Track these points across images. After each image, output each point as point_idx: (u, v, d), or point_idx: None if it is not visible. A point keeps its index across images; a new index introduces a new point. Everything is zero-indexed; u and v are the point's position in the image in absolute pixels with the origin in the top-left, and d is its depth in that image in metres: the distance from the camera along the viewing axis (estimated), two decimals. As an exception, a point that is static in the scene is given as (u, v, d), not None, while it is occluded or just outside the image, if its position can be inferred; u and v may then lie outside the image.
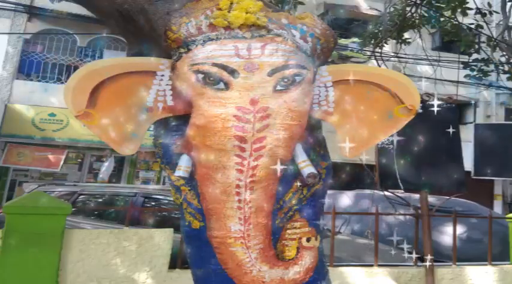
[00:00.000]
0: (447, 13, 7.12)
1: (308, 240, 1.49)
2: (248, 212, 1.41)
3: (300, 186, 1.48)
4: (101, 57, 9.90)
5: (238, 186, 1.39)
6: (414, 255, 3.69)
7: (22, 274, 2.89)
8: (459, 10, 6.64)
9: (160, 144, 1.55)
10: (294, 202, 1.48)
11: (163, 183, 9.57)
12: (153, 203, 5.00)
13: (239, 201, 1.40)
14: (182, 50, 1.45)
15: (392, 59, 9.33)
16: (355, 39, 8.71)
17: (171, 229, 3.39)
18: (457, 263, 4.03)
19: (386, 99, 1.58)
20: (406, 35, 7.78)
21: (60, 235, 3.05)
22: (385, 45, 7.83)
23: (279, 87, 1.41)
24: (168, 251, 3.33)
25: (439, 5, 6.93)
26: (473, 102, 12.14)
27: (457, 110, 4.45)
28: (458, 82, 8.42)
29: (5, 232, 2.91)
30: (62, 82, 9.40)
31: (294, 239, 1.47)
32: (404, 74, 1.74)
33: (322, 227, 1.64)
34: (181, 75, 1.44)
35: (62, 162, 8.89)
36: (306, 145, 1.50)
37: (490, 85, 10.26)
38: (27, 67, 9.63)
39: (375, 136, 1.62)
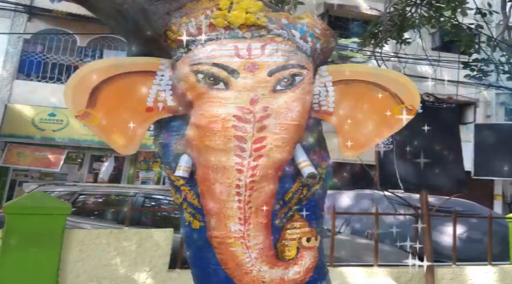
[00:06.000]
0: (447, 13, 7.12)
1: (308, 240, 1.49)
2: (248, 212, 1.41)
3: (300, 186, 1.48)
4: (101, 57, 9.91)
5: (238, 186, 1.39)
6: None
7: (22, 274, 2.89)
8: (459, 10, 6.64)
9: (160, 144, 1.55)
10: (294, 202, 1.48)
11: (163, 183, 9.58)
12: (153, 203, 5.00)
13: (239, 201, 1.40)
14: (182, 50, 1.45)
15: (392, 59, 9.33)
16: (355, 39, 8.71)
17: (171, 229, 3.38)
18: (457, 263, 4.03)
19: (386, 99, 1.58)
20: (406, 35, 7.78)
21: (60, 235, 3.05)
22: (385, 45, 7.83)
23: (279, 87, 1.41)
24: (168, 251, 3.33)
25: (439, 5, 6.93)
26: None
27: (457, 110, 4.45)
28: (458, 82, 8.42)
29: (5, 232, 2.91)
30: (62, 82, 9.40)
31: (294, 239, 1.47)
32: (404, 74, 1.74)
33: (322, 227, 1.64)
34: (182, 75, 1.44)
35: (62, 162, 8.89)
36: (306, 145, 1.50)
37: (490, 85, 10.25)
38: (27, 67, 9.63)
39: (374, 136, 1.62)
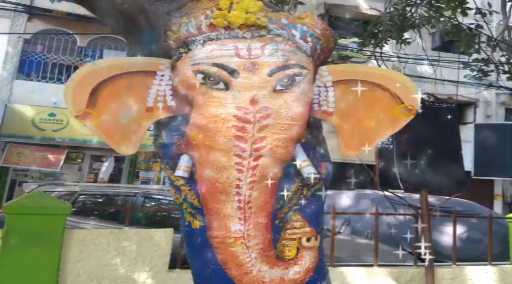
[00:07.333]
0: (447, 13, 7.12)
1: (308, 240, 1.49)
2: (248, 212, 1.41)
3: (300, 186, 1.48)
4: (101, 57, 9.90)
5: (238, 186, 1.39)
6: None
7: (22, 274, 2.89)
8: (459, 10, 6.64)
9: (160, 144, 1.54)
10: (294, 202, 1.48)
11: (163, 183, 9.57)
12: (153, 203, 5.00)
13: (239, 201, 1.40)
14: (182, 50, 1.45)
15: (392, 59, 9.32)
16: (355, 39, 8.71)
17: (171, 229, 3.38)
18: (457, 263, 4.02)
19: (386, 99, 1.58)
20: (406, 35, 7.79)
21: (60, 235, 3.05)
22: (385, 45, 7.83)
23: (279, 87, 1.41)
24: (168, 251, 3.33)
25: (439, 5, 6.93)
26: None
27: (457, 110, 4.45)
28: (458, 82, 8.42)
29: (5, 232, 2.91)
30: (62, 82, 9.40)
31: (294, 239, 1.47)
32: (404, 74, 1.74)
33: (322, 227, 1.64)
34: (181, 75, 1.44)
35: (62, 162, 8.89)
36: (306, 145, 1.50)
37: (490, 85, 10.25)
38: (27, 67, 9.63)
39: (374, 136, 1.62)
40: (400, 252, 3.86)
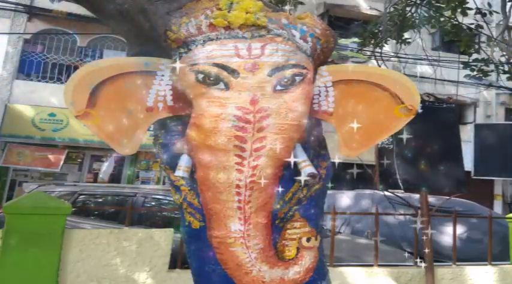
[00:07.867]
0: (447, 13, 7.13)
1: (308, 240, 1.49)
2: (248, 212, 1.41)
3: (300, 186, 1.48)
4: (101, 57, 9.90)
5: (238, 186, 1.39)
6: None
7: (22, 274, 2.89)
8: (459, 10, 6.65)
9: (160, 144, 1.55)
10: (294, 202, 1.48)
11: (163, 183, 9.57)
12: (153, 203, 5.00)
13: (239, 201, 1.40)
14: (182, 50, 1.45)
15: (392, 59, 9.33)
16: (355, 39, 8.71)
17: (171, 229, 3.38)
18: (457, 263, 4.02)
19: (386, 99, 1.57)
20: (406, 35, 7.79)
21: (60, 235, 3.04)
22: (385, 45, 7.84)
23: (279, 87, 1.41)
24: (168, 251, 3.33)
25: (439, 5, 6.93)
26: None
27: (457, 110, 4.45)
28: (458, 82, 8.42)
29: (5, 232, 2.91)
30: (62, 82, 9.40)
31: (294, 239, 1.47)
32: (404, 74, 1.74)
33: (322, 227, 1.64)
34: (182, 75, 1.44)
35: (62, 162, 8.89)
36: (306, 145, 1.50)
37: (490, 85, 10.25)
38: (27, 67, 9.63)
39: (375, 136, 1.62)
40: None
